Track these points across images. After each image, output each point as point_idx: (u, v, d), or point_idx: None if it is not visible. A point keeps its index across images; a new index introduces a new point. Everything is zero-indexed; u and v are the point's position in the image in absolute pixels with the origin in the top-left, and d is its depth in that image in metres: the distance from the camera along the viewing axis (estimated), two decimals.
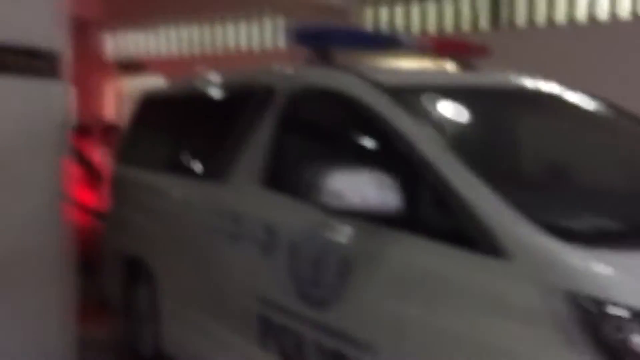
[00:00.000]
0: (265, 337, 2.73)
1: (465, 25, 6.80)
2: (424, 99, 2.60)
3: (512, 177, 2.34)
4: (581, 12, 6.17)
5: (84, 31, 9.68)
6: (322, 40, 3.13)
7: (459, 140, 2.40)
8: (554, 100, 2.99)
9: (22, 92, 3.50)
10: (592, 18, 6.13)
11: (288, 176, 2.78)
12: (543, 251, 1.85)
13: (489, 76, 3.25)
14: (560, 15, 6.26)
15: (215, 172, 3.24)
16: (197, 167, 3.54)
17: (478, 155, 2.30)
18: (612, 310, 1.71)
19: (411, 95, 2.55)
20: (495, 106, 2.78)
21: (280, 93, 2.98)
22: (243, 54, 7.99)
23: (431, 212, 2.17)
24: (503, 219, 1.94)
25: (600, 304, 1.73)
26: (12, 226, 3.28)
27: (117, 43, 9.22)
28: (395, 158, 2.32)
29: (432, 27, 7.02)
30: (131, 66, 7.91)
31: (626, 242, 1.94)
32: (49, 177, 3.53)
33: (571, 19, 6.20)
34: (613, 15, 6.05)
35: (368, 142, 2.57)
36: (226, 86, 3.57)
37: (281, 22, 7.90)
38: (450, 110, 2.72)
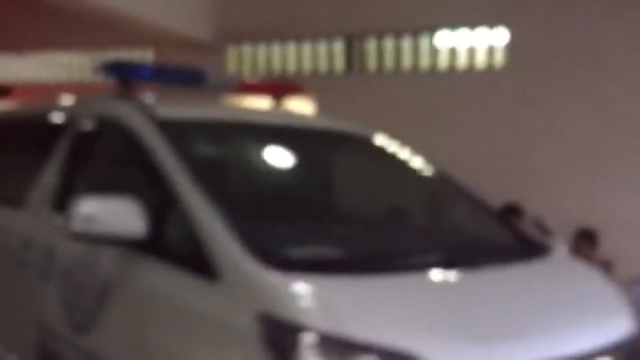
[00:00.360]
0: None
1: (322, 67, 7.12)
2: (193, 133, 2.77)
3: (249, 208, 2.51)
4: (425, 62, 6.63)
5: None
6: (123, 73, 3.26)
7: (209, 172, 2.57)
8: (322, 138, 3.22)
9: None
10: (433, 67, 6.60)
11: (68, 201, 2.86)
12: (247, 275, 2.02)
13: (279, 115, 3.47)
14: (406, 62, 6.70)
15: (15, 198, 3.28)
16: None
17: (221, 187, 2.49)
18: (299, 333, 1.87)
19: (181, 128, 2.71)
20: (262, 142, 2.98)
21: (75, 121, 3.10)
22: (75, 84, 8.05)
23: (174, 238, 2.31)
24: (220, 245, 2.10)
25: (289, 326, 1.89)
26: None
27: None
28: (151, 186, 2.46)
29: (291, 67, 7.30)
30: None
31: (339, 269, 2.14)
32: None
33: (415, 67, 6.65)
34: (451, 66, 6.54)
35: (132, 170, 2.69)
36: (32, 114, 3.63)
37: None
38: (214, 144, 2.90)
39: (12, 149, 3.60)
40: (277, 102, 3.93)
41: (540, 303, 2.43)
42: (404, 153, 3.41)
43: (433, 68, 6.63)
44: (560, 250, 3.07)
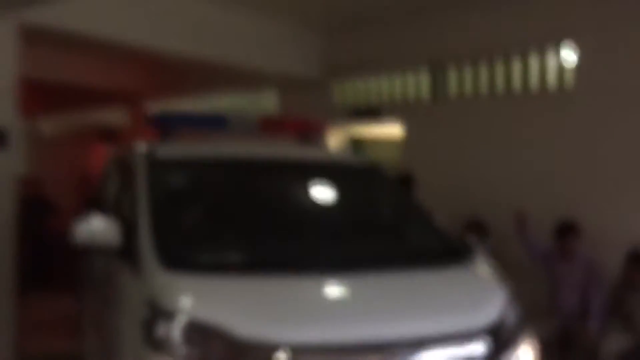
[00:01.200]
0: None
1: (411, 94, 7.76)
2: (173, 169, 3.75)
3: (183, 229, 3.41)
4: (500, 85, 6.98)
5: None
6: (161, 123, 4.39)
7: (168, 200, 3.52)
8: (298, 168, 4.00)
9: None
10: (508, 90, 6.93)
11: None
12: (149, 273, 2.94)
13: (272, 149, 4.31)
14: (483, 87, 7.11)
15: None
16: None
17: (168, 212, 3.40)
18: (166, 315, 2.72)
19: (165, 165, 3.71)
20: (229, 173, 3.84)
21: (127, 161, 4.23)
22: None
23: (133, 248, 3.28)
24: (144, 253, 3.04)
25: (159, 310, 2.76)
26: None
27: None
28: (131, 209, 3.49)
29: (385, 97, 8.03)
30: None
31: (222, 271, 2.97)
32: None
33: (491, 90, 7.03)
34: (525, 88, 6.81)
35: (130, 196, 3.72)
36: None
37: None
38: (185, 177, 3.83)
39: None
40: (302, 138, 4.80)
41: (406, 301, 3.02)
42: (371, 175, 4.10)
43: (508, 90, 6.93)
44: (477, 259, 3.55)
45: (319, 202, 3.90)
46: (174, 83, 10.34)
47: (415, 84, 7.75)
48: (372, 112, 8.04)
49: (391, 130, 8.06)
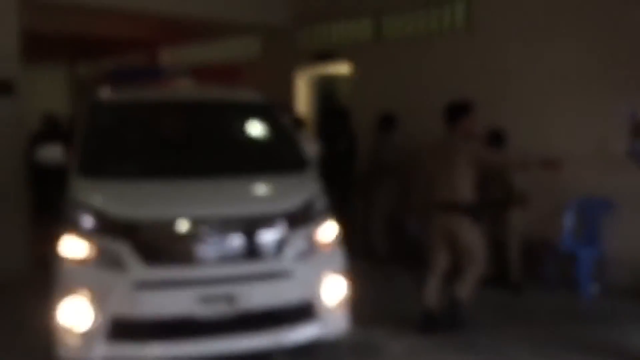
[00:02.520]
0: None
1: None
2: (108, 108, 5.33)
3: (107, 151, 4.99)
4: None
5: None
6: (113, 77, 6.01)
7: (102, 130, 5.12)
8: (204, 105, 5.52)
9: None
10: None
11: None
12: (73, 180, 4.57)
13: (188, 92, 5.85)
14: None
15: None
16: None
17: (98, 139, 5.00)
18: (76, 207, 4.36)
19: (102, 105, 5.31)
20: (155, 111, 5.40)
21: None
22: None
23: (71, 162, 4.93)
24: (74, 166, 4.67)
25: (74, 203, 4.40)
26: None
27: None
28: (76, 138, 5.12)
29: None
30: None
31: (121, 177, 4.59)
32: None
33: None
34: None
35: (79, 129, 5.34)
36: None
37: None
38: (118, 114, 5.38)
39: None
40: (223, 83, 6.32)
41: (229, 193, 4.57)
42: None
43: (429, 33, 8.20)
44: (310, 169, 5.03)
45: (209, 131, 5.41)
46: (178, 34, 11.88)
47: (361, 29, 9.02)
48: (329, 55, 9.37)
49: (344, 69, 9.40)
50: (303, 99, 10.19)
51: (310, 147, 5.48)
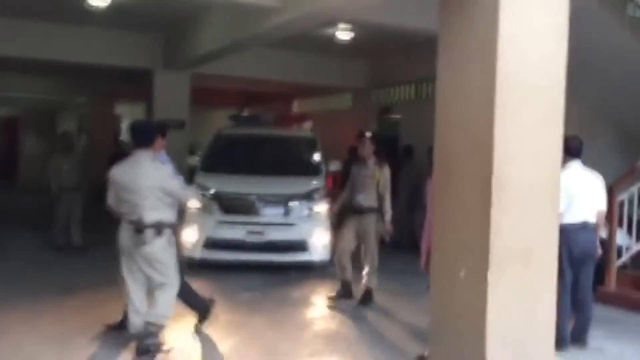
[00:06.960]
0: None
1: None
2: (227, 137, 9.87)
3: (217, 161, 9.47)
4: None
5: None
6: (235, 119, 10.69)
7: (218, 151, 9.63)
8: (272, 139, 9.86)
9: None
10: None
11: None
12: (198, 174, 9.11)
13: (271, 130, 10.25)
14: None
15: None
16: None
17: (217, 156, 9.51)
18: (199, 186, 8.88)
19: (223, 136, 9.88)
20: (249, 140, 9.81)
21: None
22: None
23: None
24: (198, 167, 9.23)
25: (199, 185, 8.92)
26: None
27: None
28: None
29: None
30: None
31: (221, 173, 9.05)
32: None
33: None
34: None
35: None
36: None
37: None
38: (230, 141, 9.85)
39: None
40: (298, 125, 10.76)
41: (272, 184, 8.90)
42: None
43: None
44: (319, 175, 9.18)
45: (272, 151, 9.72)
46: (304, 91, 16.45)
47: (407, 92, 12.89)
48: (388, 110, 13.37)
49: None
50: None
51: (333, 165, 9.59)
